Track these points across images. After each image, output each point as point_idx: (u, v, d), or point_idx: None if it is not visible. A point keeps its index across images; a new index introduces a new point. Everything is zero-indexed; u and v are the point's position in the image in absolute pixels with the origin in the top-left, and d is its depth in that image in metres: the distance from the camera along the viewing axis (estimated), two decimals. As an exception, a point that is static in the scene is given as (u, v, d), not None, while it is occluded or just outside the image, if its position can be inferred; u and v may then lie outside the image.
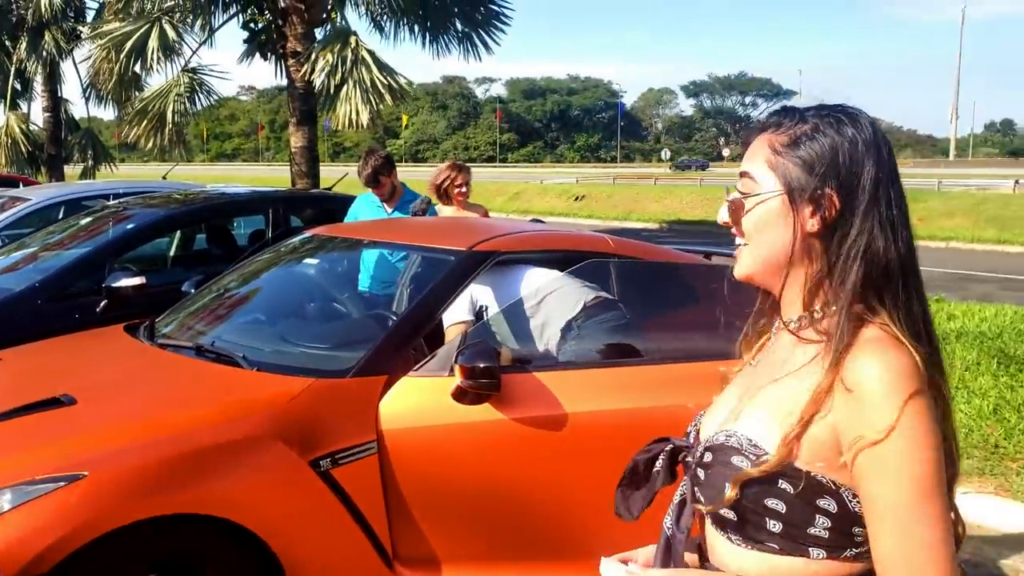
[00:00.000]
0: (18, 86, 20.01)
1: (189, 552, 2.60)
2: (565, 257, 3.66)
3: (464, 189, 5.19)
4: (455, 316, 3.68)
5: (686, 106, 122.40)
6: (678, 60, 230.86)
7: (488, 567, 3.07)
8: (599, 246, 3.81)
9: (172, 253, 6.73)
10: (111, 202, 6.97)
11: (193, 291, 4.41)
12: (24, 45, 18.23)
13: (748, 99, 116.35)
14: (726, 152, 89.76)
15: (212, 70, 13.27)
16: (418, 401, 3.04)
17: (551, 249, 3.84)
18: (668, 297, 3.84)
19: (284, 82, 13.16)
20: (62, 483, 2.41)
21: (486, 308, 3.96)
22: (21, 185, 12.19)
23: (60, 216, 7.69)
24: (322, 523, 2.79)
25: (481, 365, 2.89)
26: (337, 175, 9.04)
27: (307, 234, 4.37)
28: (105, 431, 2.73)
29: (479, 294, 3.89)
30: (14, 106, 19.68)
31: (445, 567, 3.02)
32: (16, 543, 2.27)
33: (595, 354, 3.43)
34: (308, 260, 4.28)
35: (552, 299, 3.53)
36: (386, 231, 4.39)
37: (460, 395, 2.97)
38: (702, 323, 3.73)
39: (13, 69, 18.91)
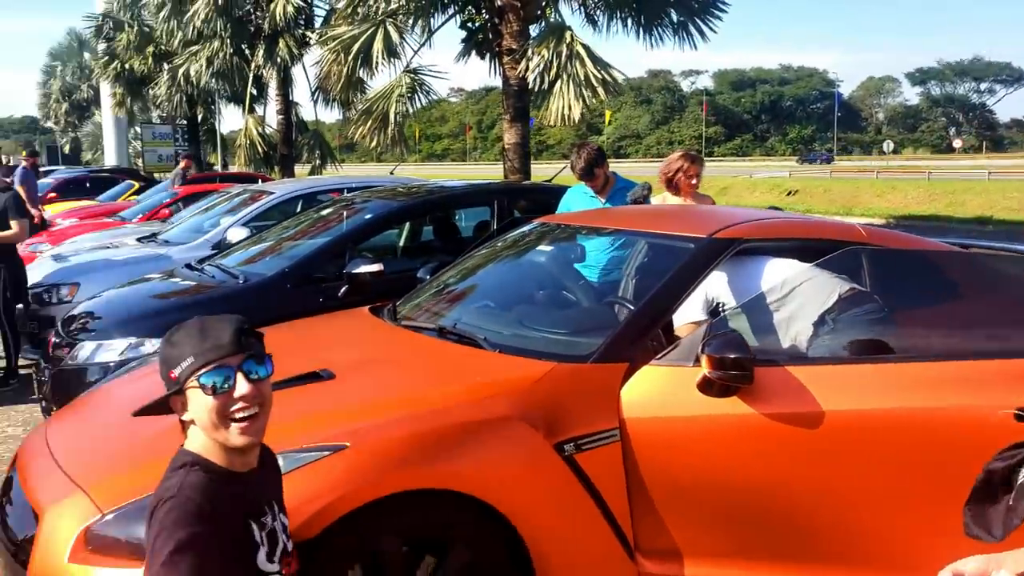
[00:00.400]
0: (254, 91, 21.76)
1: (439, 528, 2.64)
2: (813, 246, 3.43)
3: (695, 181, 5.03)
4: (687, 315, 3.54)
5: (911, 94, 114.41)
6: (901, 47, 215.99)
7: (731, 566, 2.93)
8: (850, 235, 3.55)
9: (402, 243, 7.01)
10: (345, 195, 7.37)
11: (428, 277, 4.54)
12: (261, 52, 19.76)
13: (984, 85, 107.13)
14: (957, 144, 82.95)
15: (431, 70, 13.77)
16: (661, 390, 2.95)
17: (798, 237, 3.62)
18: (930, 290, 3.51)
19: (495, 81, 13.44)
20: (327, 452, 2.52)
21: (723, 305, 3.80)
22: (260, 182, 13.23)
23: (298, 209, 8.23)
24: (567, 508, 2.76)
25: (731, 356, 2.75)
26: (542, 172, 9.10)
27: (535, 223, 4.39)
28: (364, 405, 2.84)
29: (714, 288, 3.74)
30: (251, 110, 21.43)
31: (687, 562, 2.91)
32: (288, 507, 2.39)
33: (852, 350, 3.19)
34: (538, 248, 4.29)
35: (801, 291, 3.31)
36: (617, 219, 4.33)
37: (707, 386, 2.85)
38: (973, 318, 3.40)
39: (251, 75, 20.56)
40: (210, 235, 7.95)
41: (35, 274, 7.45)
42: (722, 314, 3.71)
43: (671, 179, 5.04)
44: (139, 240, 8.61)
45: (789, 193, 29.46)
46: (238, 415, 1.77)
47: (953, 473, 2.49)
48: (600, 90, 11.72)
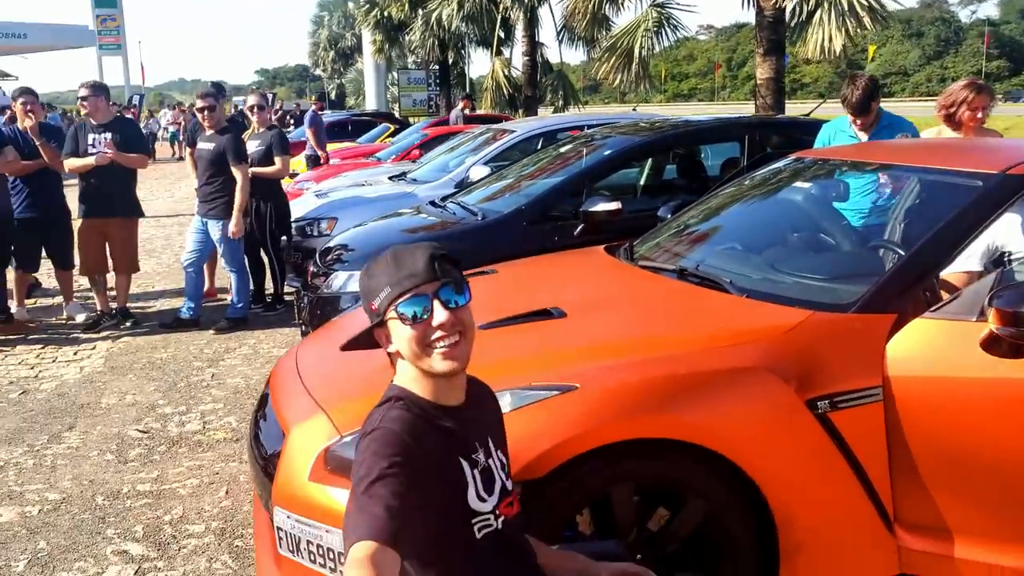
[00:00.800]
0: (502, 34, 22.06)
1: (674, 481, 2.47)
2: None
3: (981, 115, 4.37)
4: (962, 263, 3.08)
5: None
6: None
7: (1007, 552, 2.53)
8: None
9: (643, 182, 6.78)
10: (584, 132, 7.23)
11: (669, 216, 4.31)
12: (509, -8, 19.94)
13: None
14: None
15: (679, 4, 13.20)
16: (934, 347, 2.57)
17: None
18: None
19: (748, 16, 12.66)
20: (555, 392, 2.41)
21: (1009, 254, 3.28)
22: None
23: (539, 147, 8.21)
24: (818, 470, 2.48)
25: None
26: (796, 112, 8.43)
27: (790, 158, 4.00)
28: (595, 345, 2.69)
29: (1002, 234, 3.23)
30: (498, 52, 21.78)
31: (957, 541, 2.55)
32: (516, 444, 2.31)
33: None
34: (792, 185, 3.91)
35: None
36: (886, 153, 3.84)
37: (994, 344, 2.45)
38: None
39: (499, 18, 20.84)
40: (454, 174, 8.14)
41: (299, 209, 8.00)
42: (1008, 263, 3.20)
43: (952, 113, 4.41)
44: (391, 179, 8.99)
45: (1088, 133, 25.72)
46: (439, 344, 1.70)
47: None
48: (866, 19, 10.69)
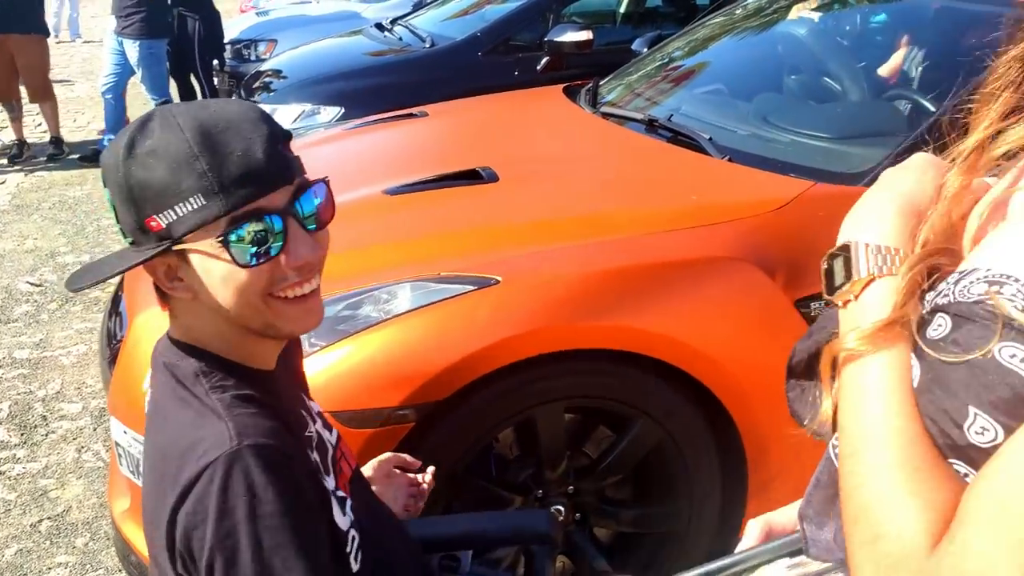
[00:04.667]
0: None
1: (622, 401, 1.92)
2: None
3: None
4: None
5: None
6: None
7: None
8: None
9: (622, 8, 5.92)
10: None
11: (645, 51, 3.59)
12: None
13: None
14: None
15: None
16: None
17: None
18: None
19: None
20: (470, 288, 1.81)
21: None
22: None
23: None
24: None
25: None
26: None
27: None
28: (528, 225, 2.08)
29: None
30: None
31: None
32: (411, 356, 1.75)
33: None
34: (797, 16, 3.18)
35: None
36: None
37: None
38: None
39: None
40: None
41: (235, 29, 7.11)
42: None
43: None
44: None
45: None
46: (290, 291, 0.98)
47: None
48: None
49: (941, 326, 0.63)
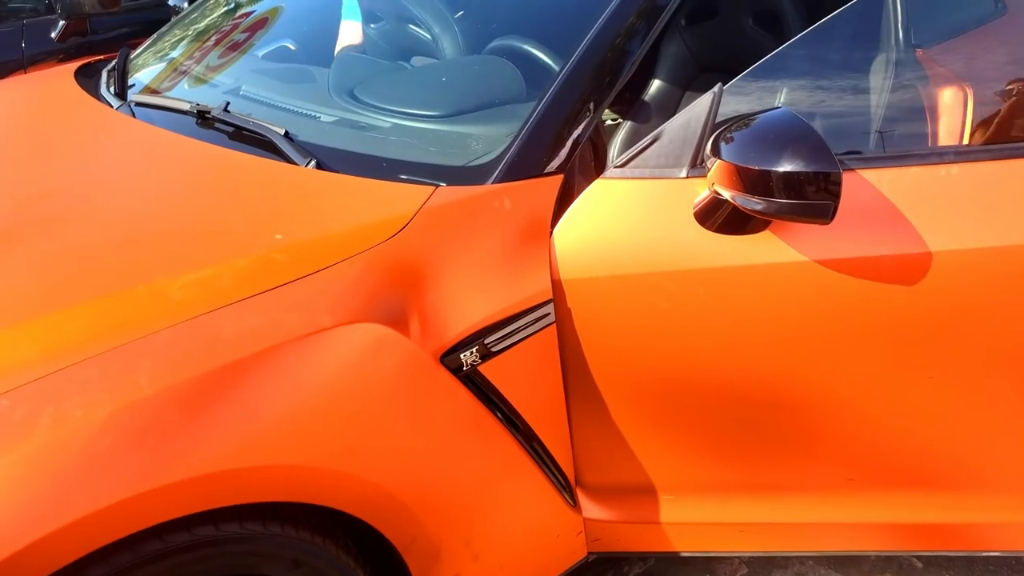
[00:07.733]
0: None
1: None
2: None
3: None
4: None
5: None
6: None
7: (756, 501, 1.77)
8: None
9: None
10: None
11: (187, 5, 2.81)
12: None
13: None
14: None
15: None
16: (629, 225, 1.58)
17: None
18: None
19: None
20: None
21: None
22: None
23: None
24: (476, 467, 1.45)
25: (805, 170, 1.36)
26: None
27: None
28: (38, 318, 1.25)
29: None
30: None
31: (663, 502, 1.74)
32: None
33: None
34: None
35: None
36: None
37: (711, 213, 1.50)
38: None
39: None
40: None
41: None
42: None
43: None
44: None
45: None
46: None
47: None
48: None
49: None
